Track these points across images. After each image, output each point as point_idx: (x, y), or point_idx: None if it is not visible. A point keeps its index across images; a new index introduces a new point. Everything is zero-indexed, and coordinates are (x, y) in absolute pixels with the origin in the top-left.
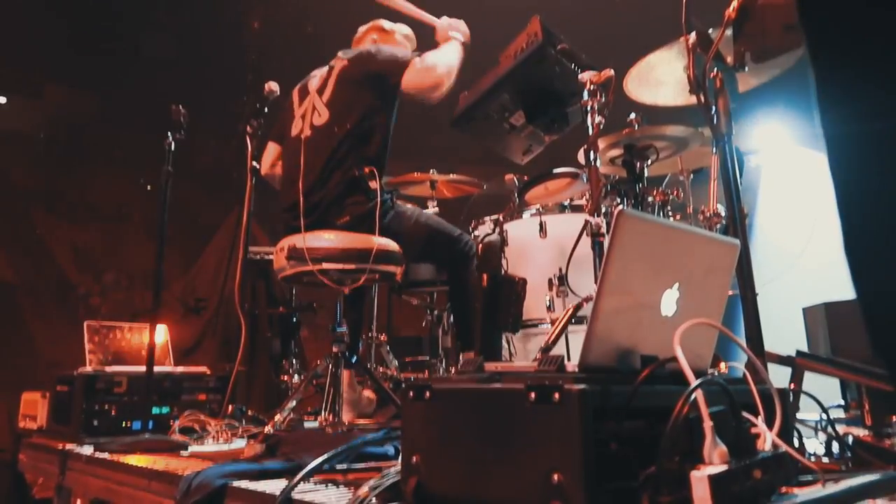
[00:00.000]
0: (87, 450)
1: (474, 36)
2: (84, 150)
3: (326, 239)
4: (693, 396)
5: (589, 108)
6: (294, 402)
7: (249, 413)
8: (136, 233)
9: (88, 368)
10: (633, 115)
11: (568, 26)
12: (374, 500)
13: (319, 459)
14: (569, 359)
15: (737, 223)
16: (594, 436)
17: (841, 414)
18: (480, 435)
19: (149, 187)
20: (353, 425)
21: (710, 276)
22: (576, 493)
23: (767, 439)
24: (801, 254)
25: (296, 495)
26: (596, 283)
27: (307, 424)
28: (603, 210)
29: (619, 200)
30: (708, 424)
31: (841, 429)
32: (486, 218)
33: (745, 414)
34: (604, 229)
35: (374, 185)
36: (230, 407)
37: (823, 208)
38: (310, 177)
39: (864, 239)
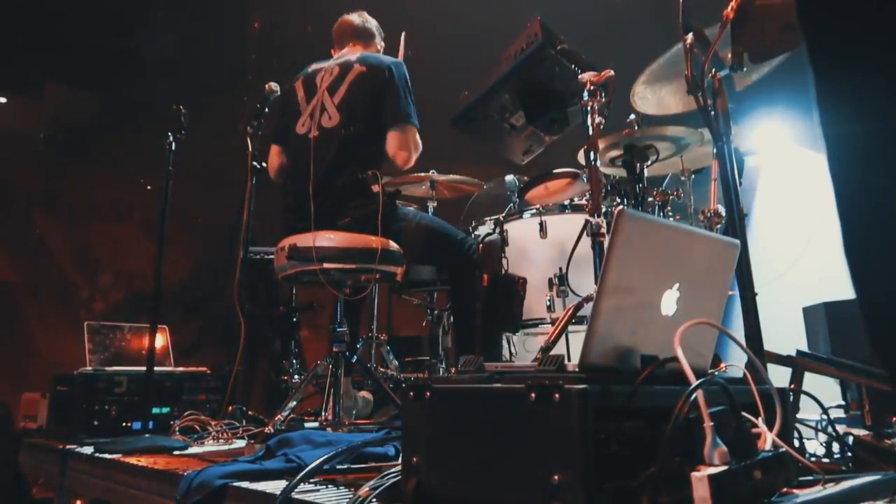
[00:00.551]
0: (88, 450)
1: (475, 36)
2: (84, 150)
3: (328, 238)
4: (693, 396)
5: (589, 109)
6: (294, 402)
7: (249, 413)
8: (136, 233)
9: (88, 368)
10: (632, 116)
11: (568, 26)
12: (374, 500)
13: (319, 459)
14: (569, 359)
15: (736, 223)
16: (594, 436)
17: (841, 414)
18: (481, 435)
19: (149, 187)
20: (354, 425)
21: (710, 276)
22: (576, 494)
23: (768, 439)
24: (801, 254)
25: (296, 495)
26: (596, 283)
27: (307, 424)
28: (603, 210)
29: (619, 200)
30: (708, 424)
31: (841, 429)
32: (487, 218)
33: (745, 414)
34: (604, 229)
35: (375, 188)
36: (230, 407)
37: (823, 208)
38: (318, 177)
39: (863, 239)
